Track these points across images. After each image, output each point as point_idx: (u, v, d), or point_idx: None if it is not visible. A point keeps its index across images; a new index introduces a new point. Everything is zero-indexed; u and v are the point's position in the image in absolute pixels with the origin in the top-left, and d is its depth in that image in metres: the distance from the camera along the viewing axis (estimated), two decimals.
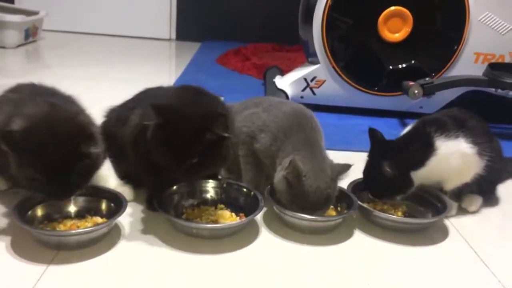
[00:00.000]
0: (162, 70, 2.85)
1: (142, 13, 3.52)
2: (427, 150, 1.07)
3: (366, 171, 1.13)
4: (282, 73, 2.21)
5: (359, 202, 1.09)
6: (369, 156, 1.13)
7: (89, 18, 3.49)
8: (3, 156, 0.89)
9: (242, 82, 2.46)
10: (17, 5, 3.30)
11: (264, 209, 1.08)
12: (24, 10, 3.00)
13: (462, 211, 1.19)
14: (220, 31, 3.54)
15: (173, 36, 3.60)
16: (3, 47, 2.76)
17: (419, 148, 1.08)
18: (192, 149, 0.93)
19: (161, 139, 0.94)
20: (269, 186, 1.11)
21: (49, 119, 0.89)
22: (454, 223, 1.14)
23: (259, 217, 1.08)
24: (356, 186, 1.16)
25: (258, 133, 1.12)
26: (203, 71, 2.61)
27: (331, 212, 1.11)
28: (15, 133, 0.86)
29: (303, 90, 1.96)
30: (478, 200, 1.20)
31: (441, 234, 1.09)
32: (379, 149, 1.11)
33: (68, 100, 1.07)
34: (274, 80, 2.05)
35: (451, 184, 1.15)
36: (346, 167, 1.05)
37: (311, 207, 1.01)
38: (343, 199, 1.12)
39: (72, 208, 1.02)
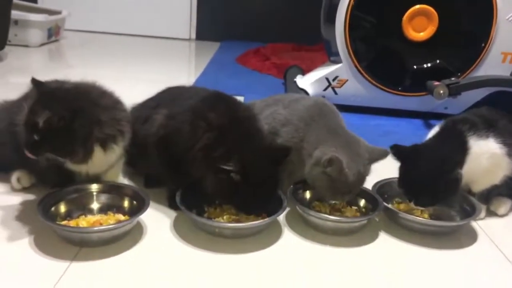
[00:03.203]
0: (182, 69, 2.86)
1: (162, 13, 3.54)
2: (463, 149, 1.04)
3: (410, 183, 1.05)
4: (303, 72, 2.19)
5: (385, 204, 1.06)
6: (404, 168, 1.06)
7: (110, 18, 3.53)
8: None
9: (262, 81, 2.45)
10: (40, 4, 3.35)
11: (287, 209, 1.07)
12: (47, 9, 3.04)
13: (491, 214, 1.16)
14: (239, 31, 3.55)
15: (193, 36, 3.62)
16: (27, 46, 2.80)
17: (455, 147, 1.04)
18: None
19: None
20: (291, 186, 1.10)
21: None
22: (483, 226, 1.11)
23: (281, 217, 1.06)
24: (381, 187, 1.13)
25: (280, 127, 1.11)
26: (223, 70, 2.61)
27: (355, 213, 1.09)
28: None
29: (325, 89, 1.94)
30: (507, 203, 1.17)
31: (469, 237, 1.06)
32: (411, 158, 1.05)
33: None
34: (295, 79, 2.03)
35: (479, 185, 1.11)
36: (384, 154, 1.04)
37: (351, 190, 1.03)
38: (368, 200, 1.09)
39: (95, 205, 1.02)
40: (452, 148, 1.04)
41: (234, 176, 0.94)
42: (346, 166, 0.98)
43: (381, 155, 1.03)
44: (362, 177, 1.02)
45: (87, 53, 2.94)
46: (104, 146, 0.98)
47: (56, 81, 1.06)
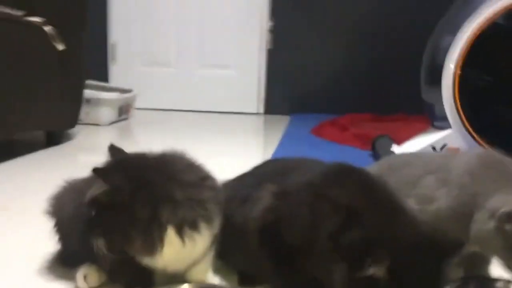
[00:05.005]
0: (252, 144, 2.75)
1: (231, 89, 3.51)
2: None
3: None
4: (395, 142, 1.95)
5: None
6: None
7: (178, 95, 3.53)
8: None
9: (343, 153, 2.23)
10: (111, 84, 3.40)
11: None
12: (118, 88, 3.06)
13: None
14: (308, 104, 3.45)
15: (261, 110, 3.54)
16: (98, 124, 2.77)
17: None
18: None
19: None
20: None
21: None
22: None
23: None
24: None
25: (433, 192, 0.85)
26: (300, 142, 2.44)
27: None
28: None
29: None
30: None
31: None
32: None
33: None
34: (391, 149, 1.79)
35: None
36: None
37: None
38: None
39: None
40: None
41: (377, 276, 0.67)
42: None
43: None
44: None
45: (156, 130, 2.89)
46: (181, 233, 0.76)
47: (141, 153, 0.88)
